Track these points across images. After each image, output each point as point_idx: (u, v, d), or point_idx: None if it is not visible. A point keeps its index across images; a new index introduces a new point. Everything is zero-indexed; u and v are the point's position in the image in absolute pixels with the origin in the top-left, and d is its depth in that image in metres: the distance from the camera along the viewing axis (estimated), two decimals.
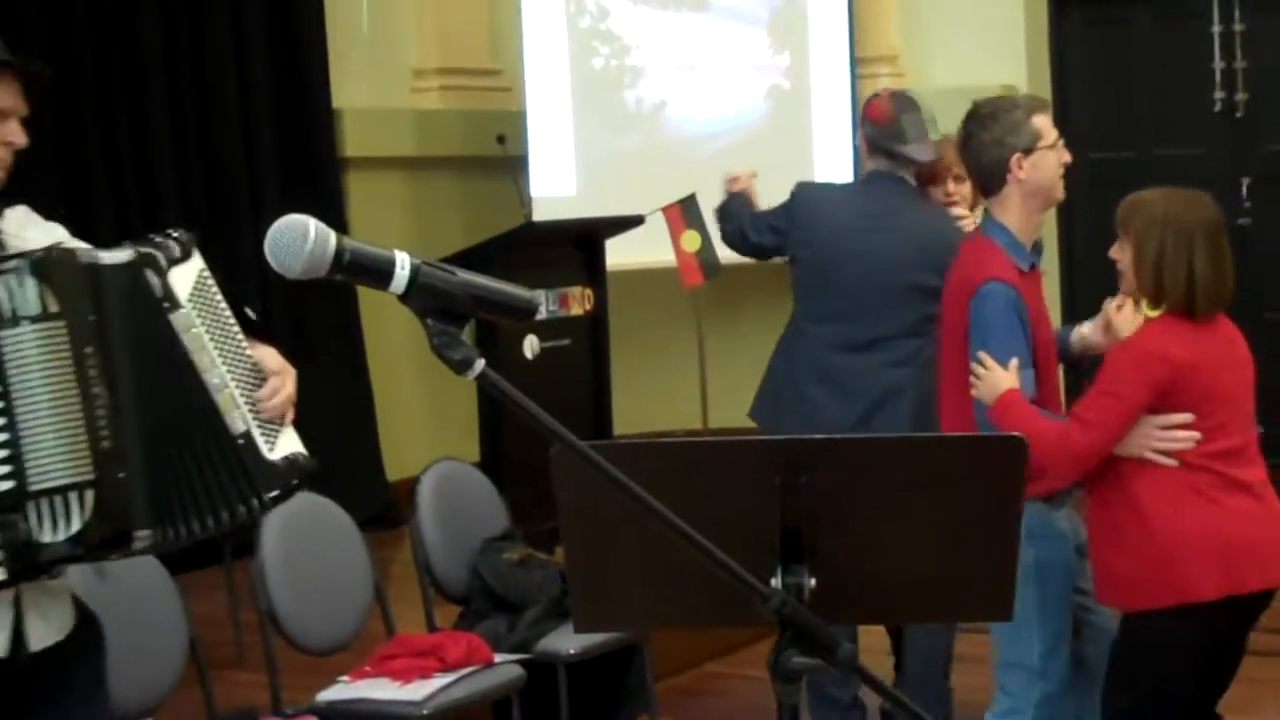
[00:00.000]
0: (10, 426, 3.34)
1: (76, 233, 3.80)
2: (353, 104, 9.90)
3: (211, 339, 3.57)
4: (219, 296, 3.63)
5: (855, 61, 10.35)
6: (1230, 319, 4.83)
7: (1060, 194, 4.98)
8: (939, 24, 10.32)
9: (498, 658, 5.59)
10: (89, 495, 3.38)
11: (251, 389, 3.61)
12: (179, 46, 8.95)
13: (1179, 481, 4.53)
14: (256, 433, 3.57)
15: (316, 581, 5.49)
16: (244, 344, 3.65)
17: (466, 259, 7.58)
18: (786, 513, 2.81)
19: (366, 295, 9.23)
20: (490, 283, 2.45)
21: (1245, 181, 9.94)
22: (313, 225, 2.34)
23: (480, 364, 2.37)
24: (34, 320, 3.36)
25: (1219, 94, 9.95)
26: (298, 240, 2.33)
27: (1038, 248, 5.03)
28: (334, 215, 9.30)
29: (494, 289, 2.45)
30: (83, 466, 3.38)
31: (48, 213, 3.78)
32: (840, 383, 5.86)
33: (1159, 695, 4.67)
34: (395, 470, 9.45)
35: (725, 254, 9.02)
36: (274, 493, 3.58)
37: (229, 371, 3.58)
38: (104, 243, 3.64)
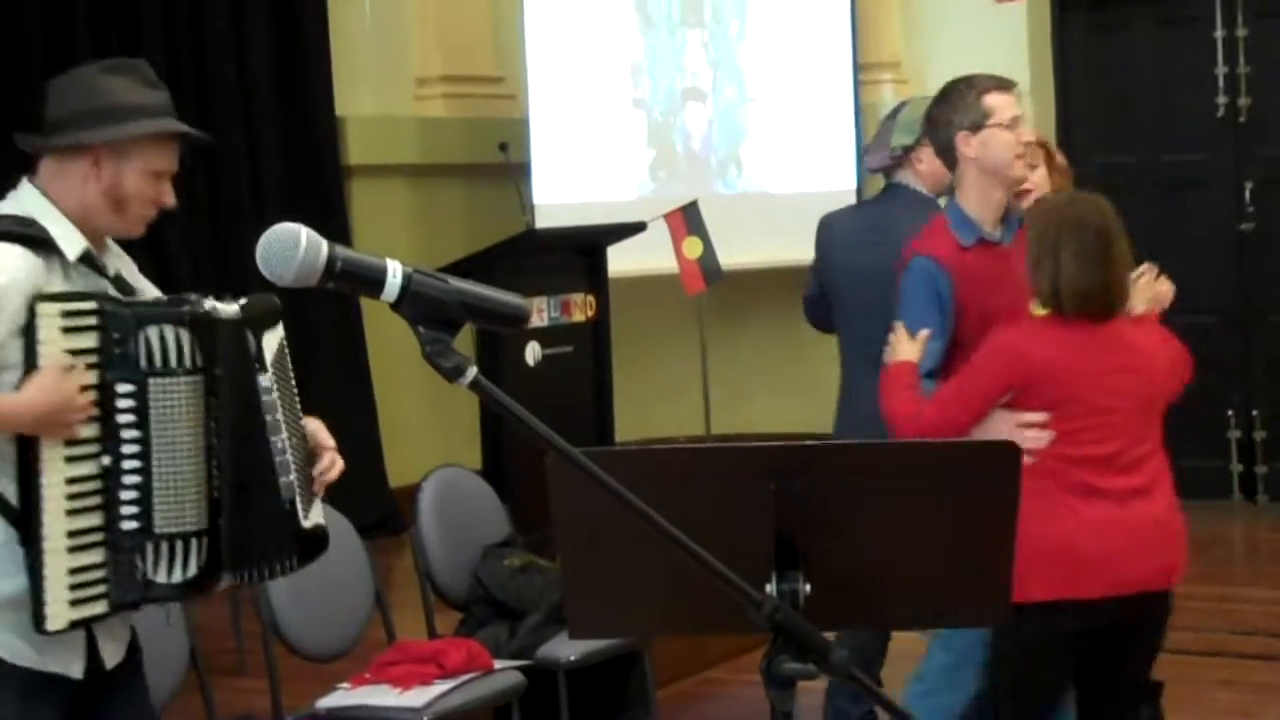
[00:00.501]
0: (145, 471, 3.55)
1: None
2: (356, 112, 9.91)
3: (282, 405, 3.78)
4: (290, 366, 3.84)
5: (858, 67, 10.35)
6: (1157, 326, 4.81)
7: (1018, 173, 4.99)
8: (941, 29, 10.33)
9: (498, 664, 5.59)
10: (204, 542, 3.61)
11: (301, 459, 3.81)
12: (182, 54, 8.96)
13: (1029, 483, 4.45)
14: (299, 501, 3.79)
15: (318, 588, 5.47)
16: (300, 415, 3.86)
17: (469, 266, 7.60)
18: (781, 519, 2.82)
19: (370, 302, 9.24)
20: (482, 290, 2.46)
21: (1248, 186, 9.93)
22: (304, 234, 2.36)
23: (472, 371, 2.38)
24: (185, 373, 3.60)
25: (1222, 99, 9.95)
26: (289, 248, 2.35)
27: (1011, 223, 5.02)
28: (337, 223, 9.31)
29: (486, 296, 2.45)
30: (201, 515, 3.61)
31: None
32: (853, 399, 5.87)
33: (1014, 689, 4.66)
34: (397, 477, 9.45)
35: (727, 261, 9.07)
36: (299, 558, 3.84)
37: (288, 439, 3.77)
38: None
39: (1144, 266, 4.91)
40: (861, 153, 10.29)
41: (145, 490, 3.55)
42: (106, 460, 3.55)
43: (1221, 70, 9.94)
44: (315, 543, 3.87)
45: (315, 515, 3.86)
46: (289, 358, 3.84)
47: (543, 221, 9.56)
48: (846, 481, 2.86)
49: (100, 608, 3.56)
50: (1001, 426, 4.55)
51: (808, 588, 2.81)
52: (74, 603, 3.52)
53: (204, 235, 8.92)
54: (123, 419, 3.55)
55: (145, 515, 3.55)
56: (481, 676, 5.48)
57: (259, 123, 9.34)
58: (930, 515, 2.91)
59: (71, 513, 3.52)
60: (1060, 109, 10.25)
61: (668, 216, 8.99)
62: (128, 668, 3.82)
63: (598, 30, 10.25)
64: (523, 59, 10.08)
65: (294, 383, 3.85)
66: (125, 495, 3.54)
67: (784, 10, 10.43)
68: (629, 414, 8.98)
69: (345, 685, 5.43)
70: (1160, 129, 10.19)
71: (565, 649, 5.78)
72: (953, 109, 4.96)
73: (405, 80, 10.39)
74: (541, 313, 8.12)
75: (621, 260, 8.75)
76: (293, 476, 3.76)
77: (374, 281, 2.40)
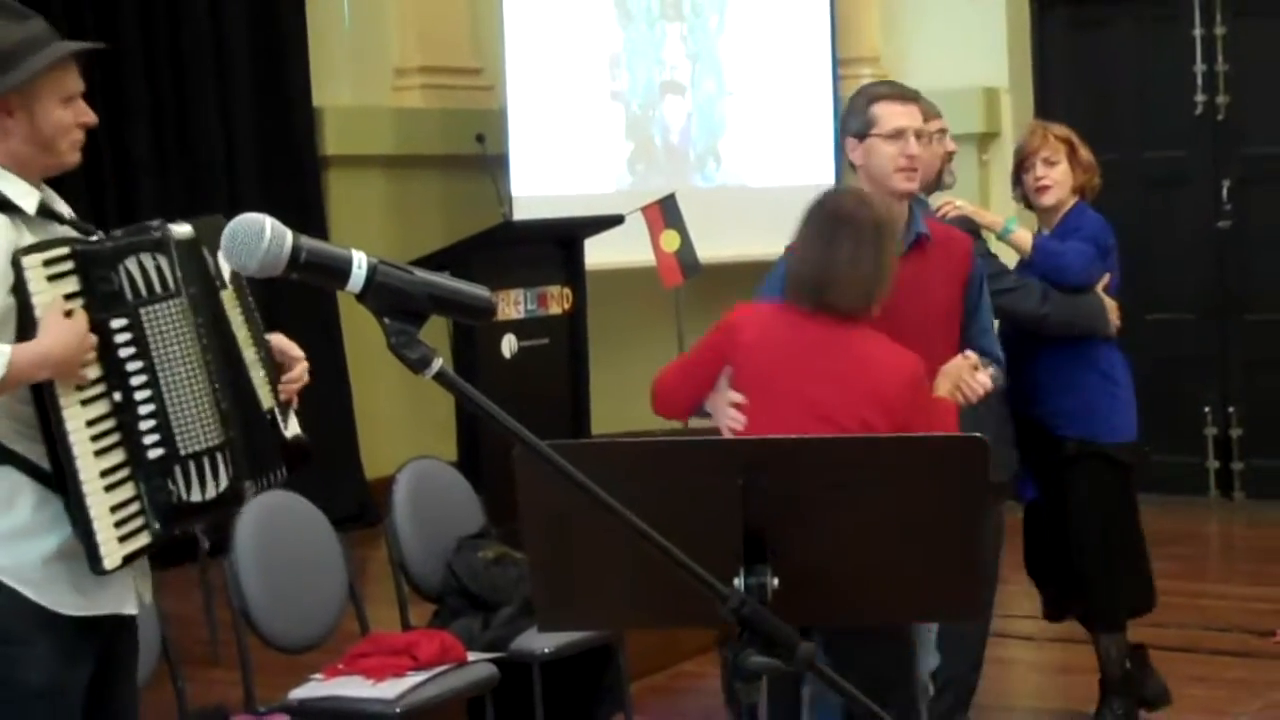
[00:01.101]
0: (157, 398, 3.63)
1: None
2: (334, 102, 9.89)
3: (244, 320, 3.86)
4: (245, 282, 3.89)
5: (837, 62, 10.35)
6: (878, 333, 4.49)
7: (899, 185, 4.80)
8: (921, 25, 10.33)
9: (471, 656, 5.58)
10: (227, 454, 3.71)
11: (272, 372, 3.90)
12: (159, 43, 8.94)
13: None
14: (277, 411, 3.88)
15: (291, 579, 5.48)
16: (263, 328, 3.92)
17: (445, 258, 7.58)
18: (749, 513, 2.83)
19: (347, 294, 9.23)
20: (448, 282, 2.46)
21: (1226, 184, 9.95)
22: (269, 224, 2.35)
23: (438, 363, 2.38)
24: (168, 297, 3.66)
25: (1200, 97, 9.96)
26: (254, 238, 2.35)
27: (911, 232, 4.87)
28: (314, 213, 9.30)
29: (452, 288, 2.46)
30: (217, 428, 3.70)
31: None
32: None
33: None
34: (372, 469, 9.44)
35: (704, 254, 9.06)
36: (285, 468, 3.92)
37: (255, 353, 3.86)
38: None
39: (968, 353, 4.68)
40: (840, 147, 10.33)
41: (162, 416, 3.62)
42: (118, 396, 3.61)
43: (1200, 68, 9.96)
44: (299, 452, 3.93)
45: (293, 425, 3.93)
46: (243, 277, 3.84)
47: (520, 213, 9.55)
48: (814, 476, 2.87)
49: (145, 539, 3.64)
50: (716, 399, 4.55)
51: (775, 582, 2.81)
52: (122, 539, 3.59)
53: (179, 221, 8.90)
54: (124, 353, 3.61)
55: (168, 440, 3.63)
56: (455, 668, 5.48)
57: (236, 112, 9.32)
58: (898, 510, 2.92)
59: (98, 453, 3.58)
60: (1039, 105, 10.25)
61: (645, 209, 8.98)
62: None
63: (577, 22, 10.24)
64: (501, 50, 10.06)
65: (250, 298, 3.90)
66: (144, 425, 3.62)
67: (763, 4, 10.43)
68: (605, 407, 8.97)
69: (318, 676, 5.42)
70: (1139, 126, 10.20)
71: (539, 641, 5.77)
72: (847, 113, 4.96)
73: (383, 71, 10.37)
74: (518, 305, 8.10)
75: (599, 253, 8.74)
76: (267, 388, 3.85)
77: (339, 272, 2.40)
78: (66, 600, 3.64)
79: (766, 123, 10.37)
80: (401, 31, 10.37)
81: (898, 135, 4.79)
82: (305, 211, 9.10)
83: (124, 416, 3.61)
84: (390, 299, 2.40)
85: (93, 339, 3.56)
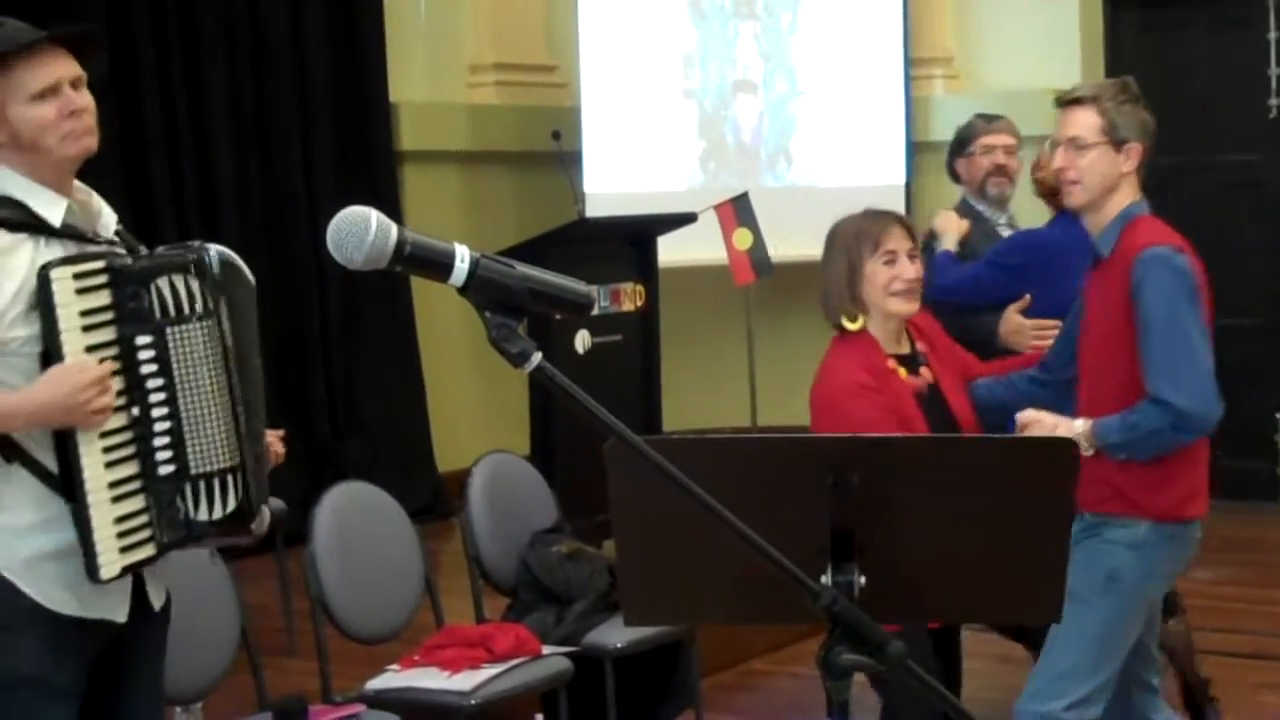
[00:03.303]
0: (174, 416, 3.67)
1: (136, 224, 3.97)
2: (409, 98, 9.95)
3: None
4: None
5: (909, 62, 10.35)
6: (842, 345, 4.77)
7: None
8: (993, 26, 10.31)
9: (545, 650, 5.61)
10: (238, 477, 3.73)
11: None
12: (239, 40, 9.03)
13: None
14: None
15: (367, 571, 5.52)
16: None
17: (519, 254, 7.55)
18: (837, 511, 2.83)
19: (420, 287, 9.28)
20: (549, 277, 2.47)
21: None
22: (375, 217, 2.37)
23: (537, 357, 2.40)
24: (198, 319, 3.68)
25: (1274, 100, 9.91)
26: (360, 231, 2.37)
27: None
28: (389, 208, 9.23)
29: (552, 283, 2.47)
30: (233, 451, 3.73)
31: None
32: None
33: None
34: (446, 462, 9.49)
35: (775, 253, 9.07)
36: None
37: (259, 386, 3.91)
38: (167, 238, 3.83)
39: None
40: (911, 148, 10.32)
41: (177, 435, 3.67)
42: (136, 411, 3.66)
43: (1275, 72, 9.91)
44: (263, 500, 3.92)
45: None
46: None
47: (593, 210, 9.59)
48: (903, 475, 2.87)
49: (148, 551, 3.69)
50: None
51: (862, 580, 2.82)
52: (124, 549, 3.64)
53: (257, 219, 8.97)
54: (145, 369, 3.66)
55: (180, 458, 3.68)
56: (529, 662, 5.50)
57: (313, 108, 9.40)
58: (986, 511, 2.92)
59: (110, 464, 3.64)
60: None
61: (718, 208, 8.99)
62: (162, 616, 3.93)
63: (650, 21, 10.27)
64: (575, 48, 10.11)
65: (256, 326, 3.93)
66: (158, 442, 3.67)
67: (836, 4, 10.43)
68: (676, 403, 8.99)
69: (394, 667, 5.45)
70: (1212, 130, 10.15)
71: (612, 636, 5.80)
72: None
73: (458, 67, 10.43)
74: (595, 301, 8.13)
75: (671, 250, 8.76)
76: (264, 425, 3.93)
77: (442, 266, 2.41)
78: (56, 597, 3.66)
79: (838, 123, 10.38)
80: (477, 29, 10.42)
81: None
82: (380, 206, 8.88)
83: (141, 431, 3.67)
84: (492, 293, 2.41)
85: (98, 374, 3.58)
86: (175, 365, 3.67)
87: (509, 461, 6.38)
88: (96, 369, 3.60)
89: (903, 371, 4.71)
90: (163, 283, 3.66)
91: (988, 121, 6.50)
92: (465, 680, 5.31)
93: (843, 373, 4.65)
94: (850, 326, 4.70)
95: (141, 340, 3.66)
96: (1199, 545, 4.68)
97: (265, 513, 3.88)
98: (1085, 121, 4.60)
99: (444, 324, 9.46)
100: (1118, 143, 4.59)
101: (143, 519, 3.67)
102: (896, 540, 2.88)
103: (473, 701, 5.24)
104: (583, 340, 8.02)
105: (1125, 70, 10.23)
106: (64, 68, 3.68)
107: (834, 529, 2.83)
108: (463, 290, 2.43)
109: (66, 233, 3.67)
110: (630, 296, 8.34)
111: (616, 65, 10.16)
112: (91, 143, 3.72)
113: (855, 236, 4.70)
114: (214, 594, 4.98)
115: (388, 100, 9.75)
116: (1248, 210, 10.09)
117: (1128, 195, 4.64)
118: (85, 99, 3.71)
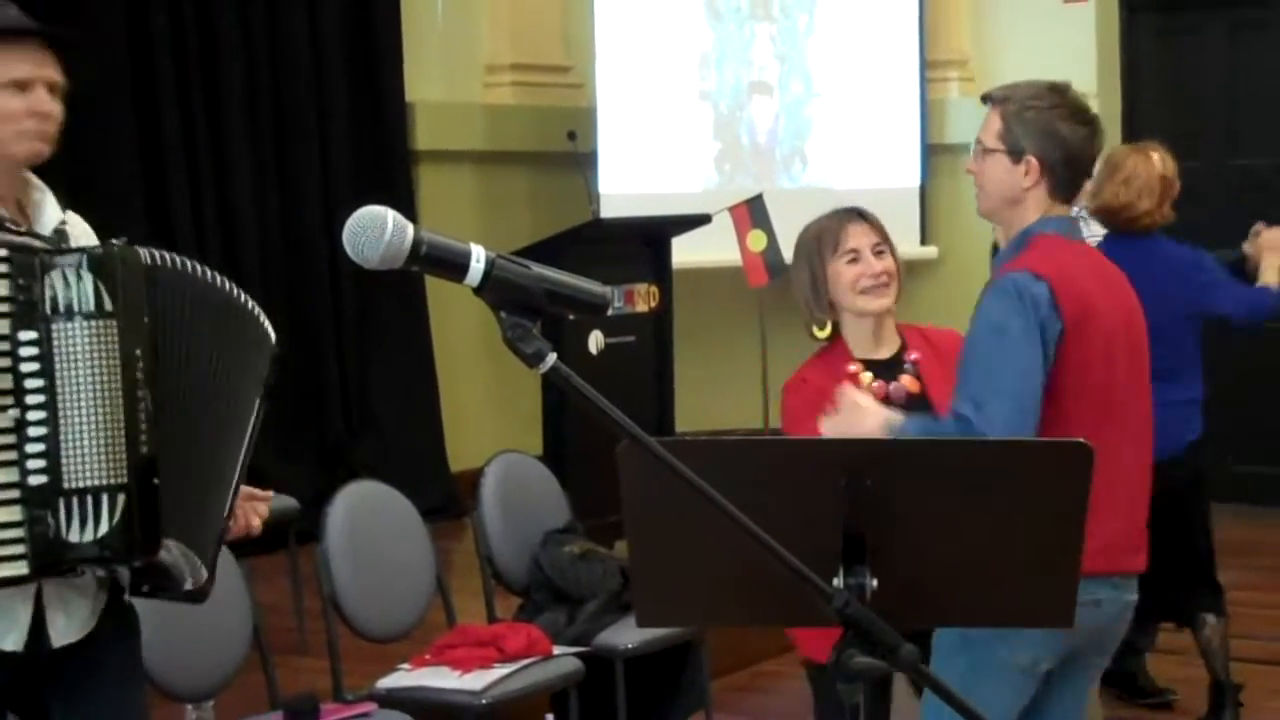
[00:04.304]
0: (51, 421, 3.34)
1: (152, 229, 3.78)
2: (425, 98, 9.96)
3: (227, 388, 3.58)
4: (248, 363, 3.65)
5: (925, 65, 10.34)
6: (825, 352, 4.69)
7: None
8: (1010, 28, 10.30)
9: (556, 650, 5.62)
10: (119, 499, 3.36)
11: (243, 466, 3.59)
12: (257, 39, 9.04)
13: None
14: (229, 508, 3.59)
15: (379, 569, 5.53)
16: (254, 420, 3.62)
17: (534, 254, 7.55)
18: (849, 513, 2.83)
19: (434, 287, 9.28)
20: (565, 277, 2.47)
21: None
22: (391, 216, 2.37)
23: (552, 358, 2.40)
24: (87, 317, 3.35)
25: None
26: (376, 231, 2.36)
27: None
28: (404, 208, 9.15)
29: (568, 284, 2.47)
30: (118, 469, 3.36)
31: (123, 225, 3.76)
32: None
33: None
34: (459, 461, 9.49)
35: (790, 254, 9.07)
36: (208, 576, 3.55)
37: (235, 432, 3.58)
38: (183, 237, 3.66)
39: None
40: (926, 150, 10.32)
41: (52, 442, 3.33)
42: (16, 413, 3.33)
43: None
44: (209, 575, 3.55)
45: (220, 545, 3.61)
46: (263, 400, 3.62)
47: (608, 211, 9.60)
48: (917, 478, 2.87)
49: (19, 568, 3.34)
50: None
51: (874, 583, 2.82)
52: None
53: (272, 218, 8.98)
54: (26, 368, 3.33)
55: (53, 469, 3.33)
56: (540, 662, 5.51)
57: (330, 108, 9.40)
58: (1000, 514, 2.91)
59: None
60: (1127, 112, 10.20)
61: (733, 209, 9.00)
62: (95, 642, 3.59)
63: (666, 22, 10.28)
64: (591, 49, 10.13)
65: (258, 382, 3.62)
66: (31, 449, 3.33)
67: (852, 6, 10.43)
68: (688, 404, 8.99)
69: (406, 666, 5.47)
70: (1228, 134, 10.13)
71: (623, 637, 5.80)
72: None
73: (474, 67, 10.43)
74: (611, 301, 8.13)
75: (686, 252, 8.76)
76: (236, 478, 3.56)
77: (458, 266, 2.41)
78: None
79: (853, 125, 10.37)
80: (493, 29, 10.43)
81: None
82: (396, 206, 8.88)
83: (20, 435, 3.33)
84: (507, 293, 2.41)
85: None
86: (58, 366, 3.33)
87: (521, 461, 6.40)
88: None
89: (867, 376, 4.47)
90: (56, 276, 3.34)
91: None
92: (476, 680, 5.32)
93: (796, 374, 4.57)
94: (819, 335, 4.57)
95: (24, 336, 3.32)
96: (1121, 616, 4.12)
97: (198, 568, 3.50)
98: (990, 124, 4.15)
99: (458, 323, 9.47)
100: (1014, 153, 4.10)
101: (15, 533, 3.32)
102: (908, 543, 2.88)
103: (483, 701, 5.25)
104: (596, 341, 8.03)
105: (1142, 73, 10.33)
106: (44, 69, 3.51)
107: (846, 531, 2.83)
108: (478, 290, 2.43)
109: None
110: (644, 297, 8.34)
111: (632, 66, 10.16)
112: (44, 149, 3.51)
113: (816, 239, 4.58)
114: (226, 592, 4.97)
115: (404, 100, 9.75)
116: (1266, 213, 10.05)
117: (1034, 211, 4.12)
118: (55, 107, 3.53)
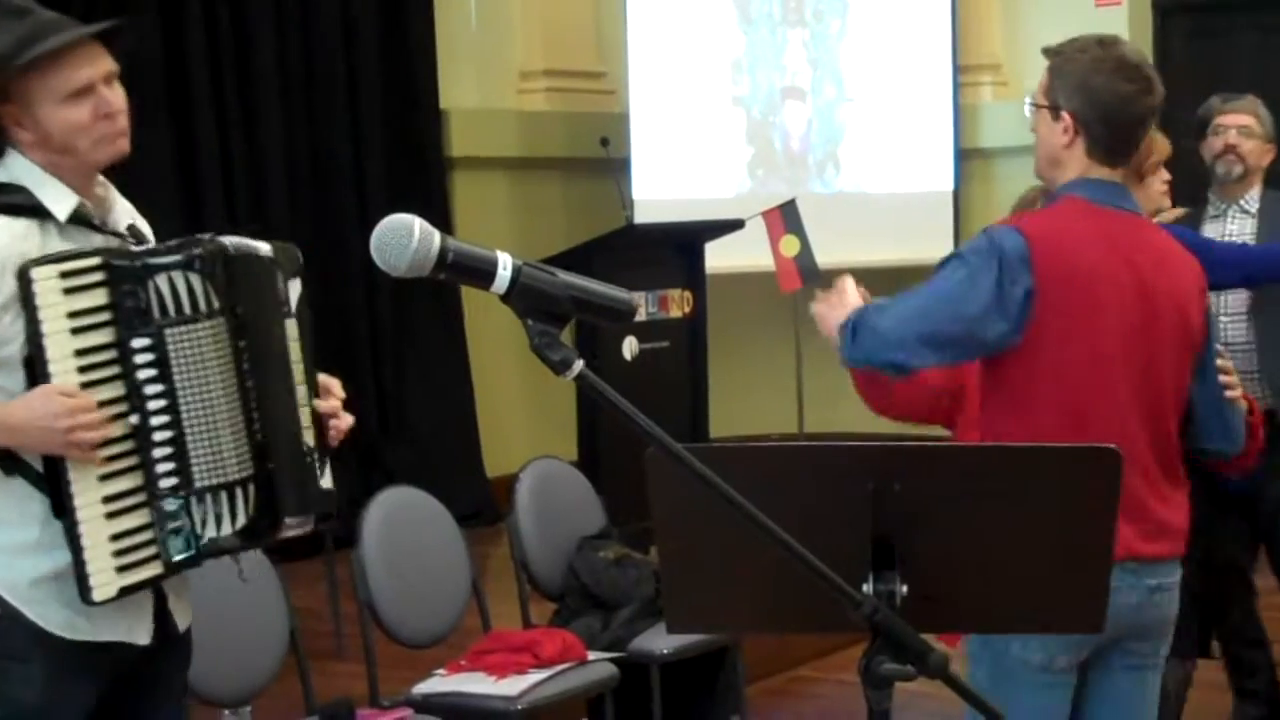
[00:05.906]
0: (176, 424, 3.44)
1: (187, 228, 3.85)
2: (459, 104, 9.99)
3: (301, 355, 3.66)
4: (309, 319, 3.70)
5: (958, 69, 10.34)
6: None
7: None
8: (1042, 32, 10.20)
9: (592, 655, 5.62)
10: (250, 490, 3.51)
11: (317, 417, 3.69)
12: (291, 47, 9.07)
13: None
14: (315, 455, 3.67)
15: (415, 575, 5.54)
16: (316, 373, 3.71)
17: (567, 260, 7.63)
18: (878, 519, 2.83)
19: (469, 292, 9.30)
20: (591, 284, 2.47)
21: None
22: (417, 224, 2.37)
23: (579, 364, 2.40)
24: (198, 318, 3.44)
25: None
26: (402, 239, 2.37)
27: None
28: (438, 214, 9.39)
29: (595, 291, 2.47)
30: (244, 461, 3.50)
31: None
32: None
33: None
34: (494, 467, 9.52)
35: (823, 260, 9.07)
36: (318, 518, 3.67)
37: (308, 393, 3.67)
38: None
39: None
40: (959, 154, 10.31)
41: (179, 444, 3.42)
42: (135, 419, 3.41)
43: None
44: (331, 503, 3.68)
45: (327, 478, 3.68)
46: (309, 313, 3.68)
47: (641, 217, 9.62)
48: (945, 484, 2.87)
49: (154, 569, 3.45)
50: None
51: (904, 589, 2.82)
52: (121, 569, 3.40)
53: (307, 225, 9.01)
54: (143, 374, 3.40)
55: (184, 470, 3.43)
56: (576, 667, 5.52)
57: (364, 114, 9.44)
58: (1029, 519, 2.91)
59: (106, 477, 3.39)
60: (1159, 113, 10.15)
61: (766, 214, 9.00)
62: (186, 638, 3.72)
63: (699, 27, 10.30)
64: (624, 55, 10.15)
65: (311, 335, 3.69)
66: (158, 453, 3.42)
67: (885, 10, 10.43)
68: (723, 410, 9.00)
69: (441, 671, 5.48)
70: None
71: (659, 642, 5.81)
72: None
73: (508, 74, 10.46)
74: (640, 308, 8.14)
75: (719, 257, 8.77)
76: (311, 428, 3.64)
77: (484, 273, 2.41)
78: (57, 620, 3.45)
79: (886, 129, 10.38)
80: (527, 35, 10.46)
81: None
82: (430, 212, 9.07)
83: (140, 441, 3.41)
84: (534, 300, 2.42)
85: (79, 404, 3.34)
86: (176, 370, 3.41)
87: (556, 467, 6.41)
88: (81, 399, 3.35)
89: None
90: (161, 280, 3.40)
91: (1224, 101, 6.31)
92: (511, 685, 5.33)
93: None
94: None
95: (138, 343, 3.40)
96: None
97: (308, 519, 3.63)
98: (1041, 80, 3.97)
99: (493, 329, 9.49)
100: (1054, 109, 3.92)
101: (145, 535, 3.43)
102: (938, 549, 2.87)
103: (519, 707, 5.26)
104: (630, 347, 8.04)
105: (1174, 75, 10.29)
106: (97, 65, 3.48)
107: (875, 538, 2.83)
108: (505, 298, 2.43)
109: (74, 220, 3.47)
110: (678, 303, 8.35)
111: (665, 72, 10.18)
112: (124, 145, 3.53)
113: None
114: (263, 597, 5.01)
115: (438, 106, 9.79)
116: None
117: (1072, 172, 3.92)
118: (118, 98, 3.50)
